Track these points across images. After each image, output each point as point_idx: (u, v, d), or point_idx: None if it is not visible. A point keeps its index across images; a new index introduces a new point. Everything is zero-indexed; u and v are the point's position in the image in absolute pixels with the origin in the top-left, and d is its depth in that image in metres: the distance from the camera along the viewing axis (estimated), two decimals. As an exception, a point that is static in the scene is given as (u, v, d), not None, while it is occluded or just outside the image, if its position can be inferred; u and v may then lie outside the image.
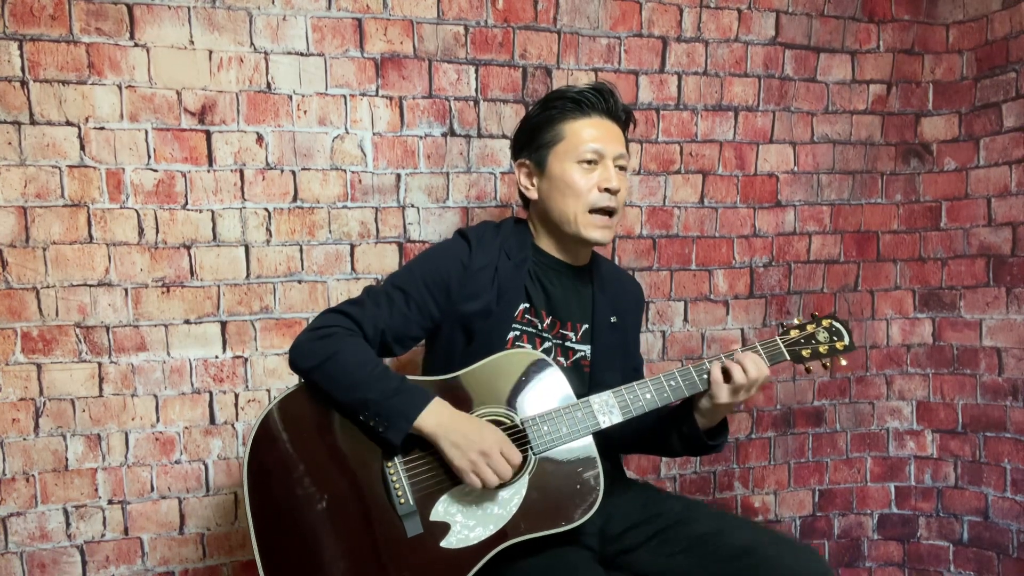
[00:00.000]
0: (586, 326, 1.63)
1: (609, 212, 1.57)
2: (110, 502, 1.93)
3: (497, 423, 1.45)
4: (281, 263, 2.00)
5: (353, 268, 2.06)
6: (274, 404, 1.42)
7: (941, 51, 2.52)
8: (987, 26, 2.42)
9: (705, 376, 1.50)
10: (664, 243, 2.35)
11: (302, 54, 1.97)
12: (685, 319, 2.39)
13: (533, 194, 1.63)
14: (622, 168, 1.60)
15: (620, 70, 2.25)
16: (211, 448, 2.00)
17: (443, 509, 1.40)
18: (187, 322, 1.95)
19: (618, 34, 2.24)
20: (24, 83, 1.80)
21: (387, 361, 1.69)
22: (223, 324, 1.97)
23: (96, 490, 1.92)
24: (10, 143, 1.80)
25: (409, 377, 1.45)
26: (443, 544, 1.39)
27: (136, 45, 1.86)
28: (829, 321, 1.61)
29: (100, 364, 1.90)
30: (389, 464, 1.40)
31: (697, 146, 2.35)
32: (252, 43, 1.94)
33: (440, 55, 2.08)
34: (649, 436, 1.67)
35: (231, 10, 1.91)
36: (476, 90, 2.12)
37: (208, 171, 1.93)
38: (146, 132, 1.88)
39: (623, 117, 1.63)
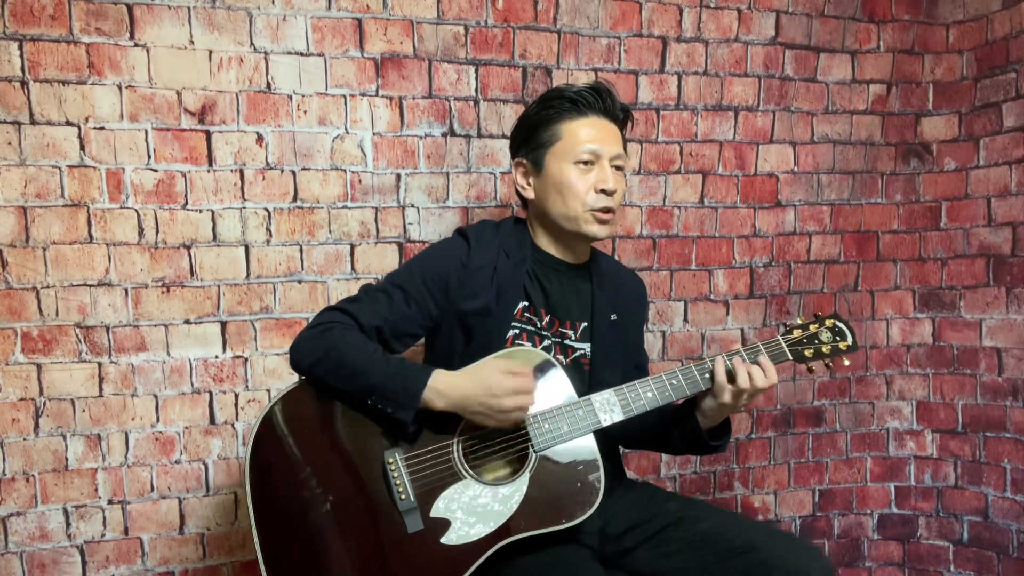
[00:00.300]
0: (585, 324, 1.63)
1: (607, 211, 1.57)
2: (110, 502, 1.93)
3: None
4: (281, 263, 2.00)
5: (353, 268, 2.06)
6: (275, 403, 1.43)
7: (941, 51, 2.52)
8: (987, 26, 2.42)
9: (707, 375, 1.50)
10: (664, 243, 2.35)
11: (302, 54, 1.98)
12: (685, 319, 2.39)
13: (530, 194, 1.63)
14: (619, 168, 1.60)
15: (620, 70, 2.25)
16: (211, 448, 1.99)
17: (444, 505, 1.40)
18: (187, 322, 1.95)
19: (618, 34, 2.24)
20: (24, 83, 1.80)
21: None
22: (223, 324, 1.97)
23: (96, 490, 1.92)
24: (10, 143, 1.80)
25: None
26: (443, 540, 1.39)
27: (136, 45, 1.86)
28: (832, 321, 1.62)
29: (100, 364, 1.90)
30: (390, 460, 1.40)
31: (697, 146, 2.35)
32: (252, 43, 1.94)
33: (440, 55, 2.08)
34: (651, 434, 1.67)
35: (231, 10, 1.91)
36: (476, 90, 2.12)
37: (208, 171, 1.93)
38: (146, 132, 1.88)
39: (621, 117, 1.63)
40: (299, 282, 2.02)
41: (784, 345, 1.56)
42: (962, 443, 2.53)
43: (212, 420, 1.99)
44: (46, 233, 1.84)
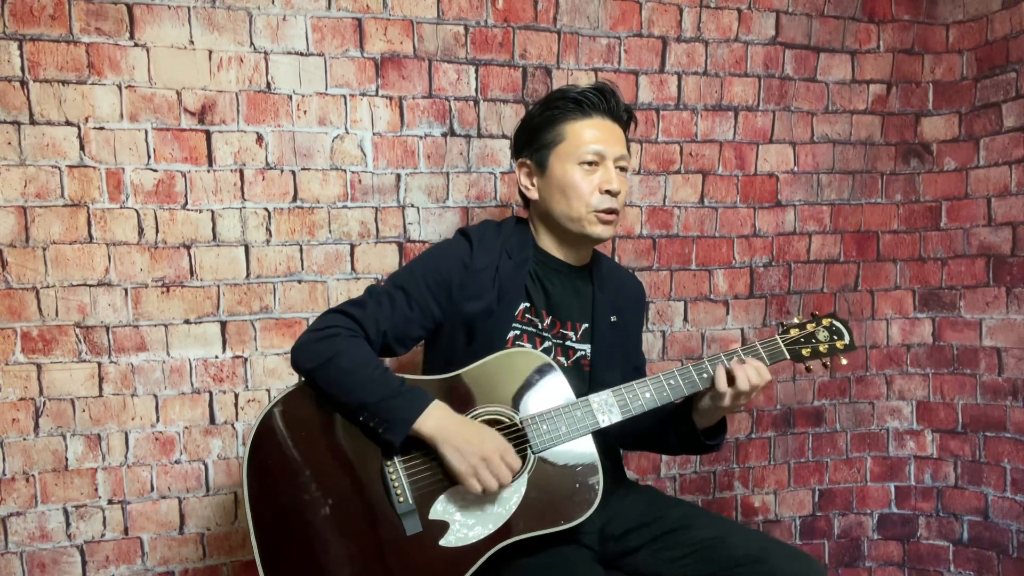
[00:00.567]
0: (586, 325, 1.64)
1: (610, 212, 1.57)
2: (110, 502, 1.93)
3: (496, 422, 1.45)
4: (281, 263, 2.00)
5: (353, 268, 2.06)
6: (275, 403, 1.43)
7: (941, 51, 2.52)
8: (987, 26, 2.42)
9: (705, 376, 1.50)
10: (664, 243, 2.35)
11: (302, 54, 1.97)
12: (685, 319, 2.39)
13: (533, 194, 1.63)
14: (623, 169, 1.60)
15: (620, 70, 2.25)
16: (211, 448, 2.00)
17: (442, 508, 1.40)
18: (187, 322, 1.95)
19: (618, 34, 2.24)
20: (24, 83, 1.80)
21: (388, 361, 1.70)
22: (223, 324, 1.97)
23: (96, 490, 1.92)
24: (10, 143, 1.80)
25: (411, 376, 1.45)
26: (442, 543, 1.39)
27: (136, 45, 1.86)
28: (829, 320, 1.61)
29: (100, 364, 1.90)
30: (388, 463, 1.40)
31: (697, 146, 2.35)
32: (252, 43, 1.94)
33: (440, 55, 2.08)
34: (648, 434, 1.68)
35: (231, 10, 1.91)
36: (476, 90, 2.12)
37: (208, 171, 1.93)
38: (146, 132, 1.88)
39: (624, 117, 1.63)
40: (299, 282, 2.02)
41: (782, 344, 1.56)
42: (962, 443, 2.53)
43: (212, 420, 1.99)
44: (46, 233, 1.84)
